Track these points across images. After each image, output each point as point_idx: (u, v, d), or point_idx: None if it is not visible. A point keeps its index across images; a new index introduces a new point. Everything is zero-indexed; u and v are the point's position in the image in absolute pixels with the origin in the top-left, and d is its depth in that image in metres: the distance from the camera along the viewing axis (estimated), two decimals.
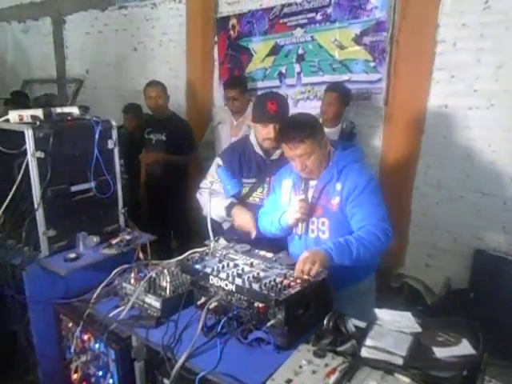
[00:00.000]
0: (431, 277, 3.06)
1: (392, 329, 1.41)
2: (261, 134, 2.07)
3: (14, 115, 1.93)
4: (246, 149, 2.20)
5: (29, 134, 1.82)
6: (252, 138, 2.17)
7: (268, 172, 2.14)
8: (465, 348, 1.29)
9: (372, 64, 3.14)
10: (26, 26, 6.00)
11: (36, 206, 1.87)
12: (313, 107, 3.44)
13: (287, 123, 1.87)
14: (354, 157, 1.90)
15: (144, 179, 3.60)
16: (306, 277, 1.48)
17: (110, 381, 1.70)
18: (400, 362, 1.24)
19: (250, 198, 2.16)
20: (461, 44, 2.78)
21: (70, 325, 1.85)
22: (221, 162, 2.24)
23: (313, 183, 1.88)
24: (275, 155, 2.13)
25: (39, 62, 5.98)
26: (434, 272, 3.09)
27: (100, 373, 1.75)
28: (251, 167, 2.16)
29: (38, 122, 1.90)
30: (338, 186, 1.82)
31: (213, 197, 2.25)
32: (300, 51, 3.48)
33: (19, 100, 4.29)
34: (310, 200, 1.86)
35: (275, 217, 1.94)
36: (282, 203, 1.98)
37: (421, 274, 3.10)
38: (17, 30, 6.18)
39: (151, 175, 3.54)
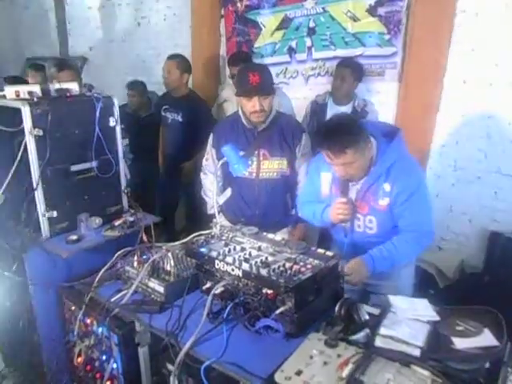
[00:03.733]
0: (444, 260, 2.96)
1: (408, 317, 1.34)
2: (247, 108, 2.08)
3: (10, 91, 1.84)
4: (234, 122, 2.22)
5: (26, 111, 1.74)
6: (240, 112, 2.18)
7: (256, 145, 2.15)
8: (487, 339, 1.22)
9: (386, 37, 2.98)
10: (27, 1, 5.84)
11: (35, 185, 1.80)
12: (324, 84, 3.31)
13: (327, 129, 1.73)
14: (399, 150, 1.78)
15: (162, 162, 3.52)
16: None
17: (114, 365, 1.67)
18: (417, 353, 1.17)
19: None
20: (483, 14, 2.61)
21: (73, 308, 1.81)
22: (211, 138, 2.29)
23: (359, 183, 1.81)
24: (262, 126, 2.14)
25: (42, 39, 5.84)
26: (447, 255, 3.00)
27: (104, 357, 1.71)
28: (240, 140, 2.15)
29: (35, 98, 1.82)
30: (387, 187, 1.74)
31: (207, 178, 2.36)
32: (311, 24, 3.31)
33: (37, 75, 4.06)
34: (353, 198, 1.81)
35: (317, 210, 1.92)
36: (323, 196, 1.94)
37: (433, 257, 3.00)
38: (18, 5, 6.02)
39: (166, 154, 3.46)
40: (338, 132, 1.66)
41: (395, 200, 1.74)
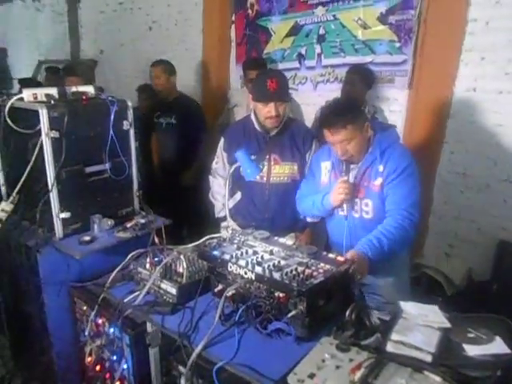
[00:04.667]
0: (452, 267, 2.96)
1: (419, 323, 1.34)
2: (262, 113, 2.10)
3: (28, 93, 1.87)
4: (246, 127, 2.24)
5: (43, 113, 1.77)
6: (252, 117, 2.20)
7: (267, 149, 2.17)
8: (498, 346, 1.22)
9: (397, 44, 3.00)
10: (40, 4, 5.93)
11: (50, 186, 1.83)
12: (333, 90, 3.33)
13: (329, 108, 1.91)
14: (394, 137, 1.94)
15: (157, 161, 3.53)
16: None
17: (125, 366, 1.69)
18: (429, 358, 1.18)
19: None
20: (494, 23, 2.62)
21: (85, 308, 1.83)
22: (222, 141, 2.30)
23: (354, 165, 1.90)
24: (274, 131, 2.16)
25: (53, 42, 5.92)
26: (454, 262, 3.00)
27: (114, 357, 1.74)
28: (251, 144, 2.17)
29: (52, 101, 1.85)
30: (381, 168, 1.84)
31: (216, 180, 2.37)
32: (321, 31, 3.34)
33: (53, 78, 4.15)
34: (351, 180, 1.88)
35: (317, 199, 1.98)
36: (322, 185, 2.01)
37: (441, 264, 3.01)
38: (31, 8, 6.11)
39: (163, 159, 3.47)
40: (339, 109, 1.84)
41: (386, 178, 1.83)
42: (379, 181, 1.84)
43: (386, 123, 2.18)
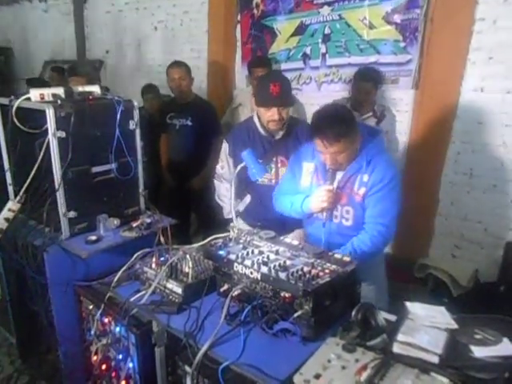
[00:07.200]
0: (458, 268, 2.95)
1: (425, 324, 1.33)
2: (265, 117, 2.08)
3: (35, 93, 1.88)
4: (250, 130, 2.22)
5: (50, 113, 1.77)
6: (255, 120, 2.18)
7: (273, 152, 2.15)
8: (506, 348, 1.21)
9: (401, 44, 2.99)
10: (46, 5, 5.96)
11: (57, 186, 1.83)
12: (337, 90, 3.33)
13: (323, 118, 1.78)
14: (381, 146, 1.89)
15: (165, 162, 3.53)
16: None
17: (130, 365, 1.69)
18: (436, 360, 1.17)
19: (259, 180, 2.13)
20: (502, 22, 2.61)
21: (91, 307, 1.84)
22: (226, 145, 2.27)
23: (339, 173, 1.85)
24: (279, 135, 2.15)
25: (60, 42, 5.95)
26: (461, 263, 2.99)
27: (120, 356, 1.74)
28: (256, 148, 2.15)
29: (59, 101, 1.85)
30: (365, 177, 1.80)
31: (222, 184, 2.35)
32: (326, 31, 3.34)
33: (58, 78, 4.16)
34: (335, 188, 1.83)
35: (296, 201, 1.92)
36: (302, 186, 1.96)
37: (447, 265, 2.99)
38: (38, 9, 6.15)
39: (174, 160, 3.46)
40: (335, 121, 1.72)
41: (369, 189, 1.80)
42: (362, 190, 1.81)
43: (373, 127, 2.13)
